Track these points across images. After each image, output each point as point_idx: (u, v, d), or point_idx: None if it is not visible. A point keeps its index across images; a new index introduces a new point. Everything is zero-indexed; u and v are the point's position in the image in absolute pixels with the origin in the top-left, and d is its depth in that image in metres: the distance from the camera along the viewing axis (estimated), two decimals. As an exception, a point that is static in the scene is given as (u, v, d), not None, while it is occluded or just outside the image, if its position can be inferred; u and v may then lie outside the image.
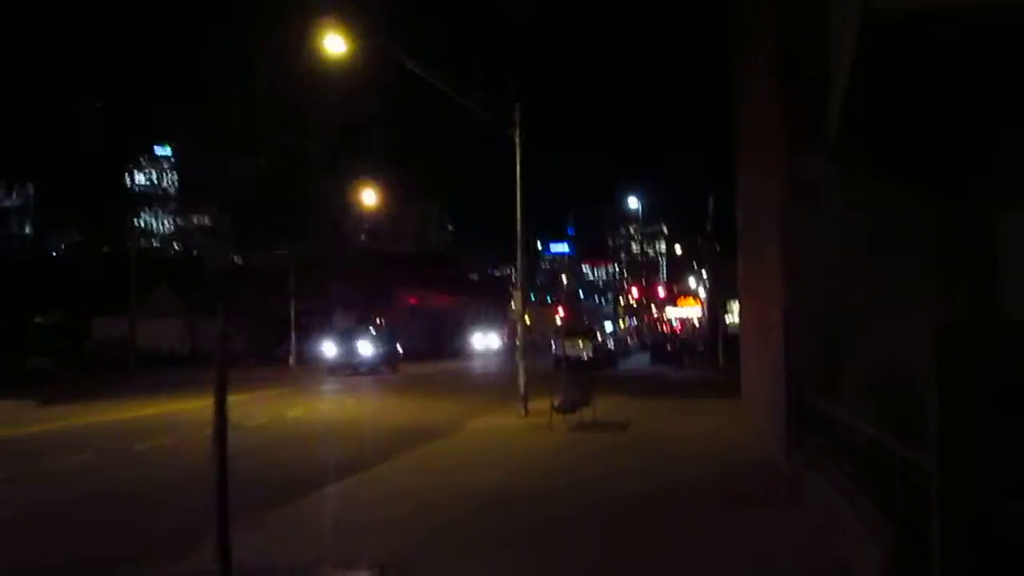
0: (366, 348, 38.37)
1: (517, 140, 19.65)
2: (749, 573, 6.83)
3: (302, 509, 9.34)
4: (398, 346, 43.18)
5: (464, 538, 7.88)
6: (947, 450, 4.35)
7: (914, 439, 5.81)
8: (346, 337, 39.87)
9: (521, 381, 19.20)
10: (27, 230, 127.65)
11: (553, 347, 45.95)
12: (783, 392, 11.06)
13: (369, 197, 44.83)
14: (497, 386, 27.66)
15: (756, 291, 15.84)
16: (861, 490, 6.88)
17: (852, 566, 6.55)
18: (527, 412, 18.68)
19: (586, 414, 16.80)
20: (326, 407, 22.21)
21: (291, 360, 47.35)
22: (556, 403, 16.59)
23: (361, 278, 69.48)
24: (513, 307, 19.97)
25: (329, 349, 39.49)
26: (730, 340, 43.04)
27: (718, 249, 44.31)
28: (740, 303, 23.97)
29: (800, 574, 6.86)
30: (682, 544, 7.68)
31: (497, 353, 63.52)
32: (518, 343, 20.07)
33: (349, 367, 37.08)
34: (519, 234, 19.74)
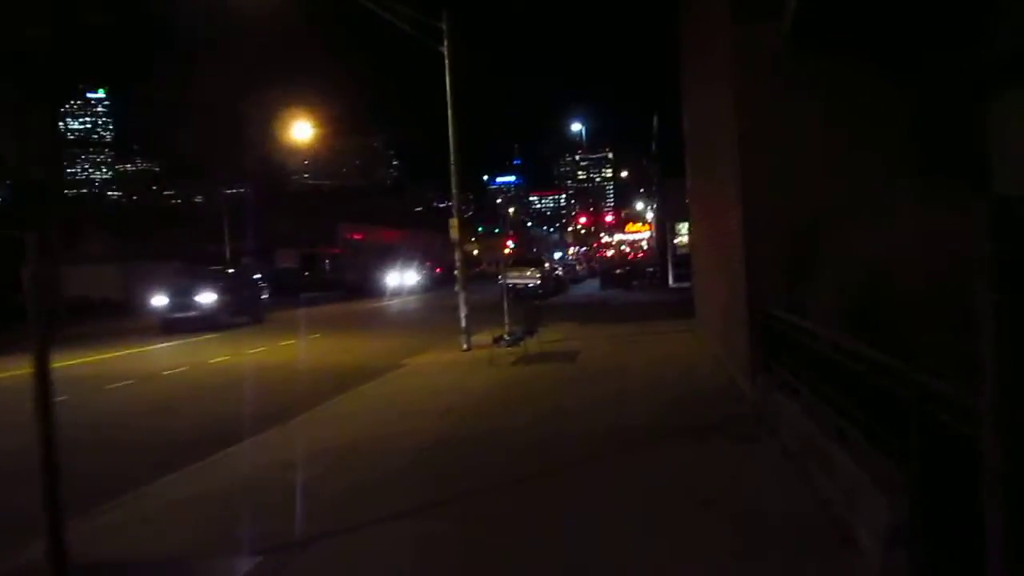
0: (207, 296, 29.37)
1: (446, 52, 17.95)
2: (722, 527, 5.62)
3: (193, 476, 7.92)
4: (261, 291, 35.54)
5: (379, 506, 6.53)
6: (1007, 383, 3.05)
7: (903, 357, 4.63)
8: (183, 283, 30.37)
9: (462, 314, 17.88)
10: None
11: (500, 278, 43.93)
12: (745, 309, 9.86)
13: (304, 130, 42.65)
14: (438, 322, 26.42)
15: (709, 204, 14.61)
16: (850, 423, 5.69)
17: (844, 515, 5.39)
18: (469, 346, 17.45)
19: (531, 345, 15.59)
20: (254, 351, 20.70)
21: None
22: (499, 335, 15.49)
23: (302, 215, 67.43)
24: (451, 236, 18.40)
25: (160, 300, 29.71)
26: (679, 260, 42.26)
27: (664, 168, 43.09)
28: (691, 220, 22.84)
29: (781, 523, 5.66)
30: (637, 497, 6.45)
31: (415, 290, 60.20)
32: (458, 274, 18.68)
33: (187, 321, 28.41)
34: (452, 153, 18.17)
